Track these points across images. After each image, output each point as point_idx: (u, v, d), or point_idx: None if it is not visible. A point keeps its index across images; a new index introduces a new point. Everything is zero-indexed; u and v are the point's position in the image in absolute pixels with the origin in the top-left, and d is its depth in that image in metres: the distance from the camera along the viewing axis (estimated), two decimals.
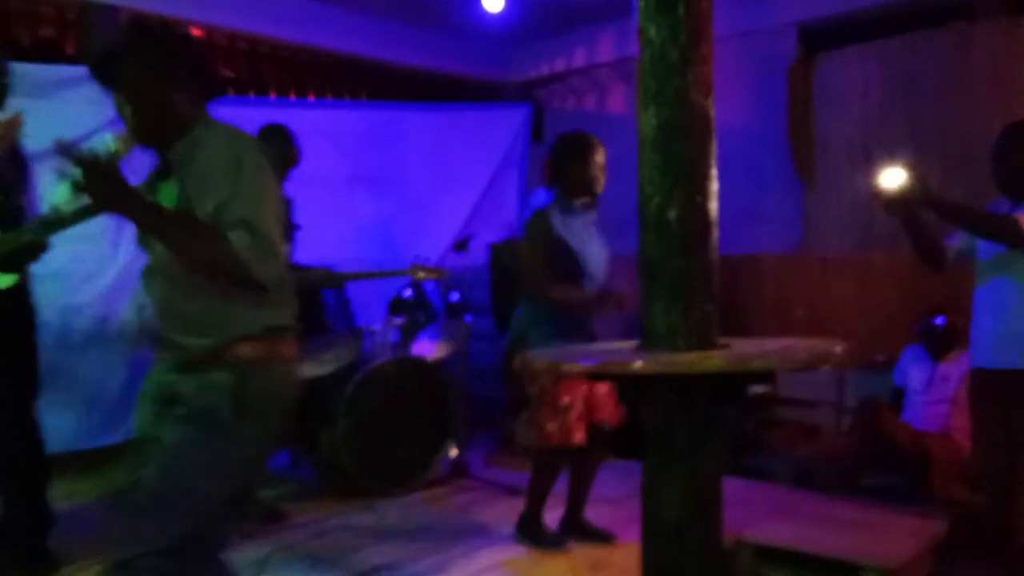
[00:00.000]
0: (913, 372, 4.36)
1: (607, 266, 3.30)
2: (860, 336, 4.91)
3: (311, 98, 5.80)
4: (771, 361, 1.91)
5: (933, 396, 4.27)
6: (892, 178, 3.02)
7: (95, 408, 4.46)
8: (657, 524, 2.20)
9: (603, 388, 3.25)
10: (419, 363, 4.04)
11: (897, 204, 3.03)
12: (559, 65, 6.38)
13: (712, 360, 1.97)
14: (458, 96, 6.60)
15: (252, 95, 5.31)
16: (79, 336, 4.42)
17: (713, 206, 2.18)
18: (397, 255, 4.67)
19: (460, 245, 4.61)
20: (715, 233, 2.19)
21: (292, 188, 5.43)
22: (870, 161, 5.06)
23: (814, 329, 5.14)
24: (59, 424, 4.42)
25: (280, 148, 3.46)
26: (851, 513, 3.70)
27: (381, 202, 6.00)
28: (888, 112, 4.91)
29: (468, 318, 4.35)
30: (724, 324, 4.71)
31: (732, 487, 4.27)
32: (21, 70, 4.39)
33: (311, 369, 3.81)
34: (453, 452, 4.19)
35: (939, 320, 4.24)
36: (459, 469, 4.19)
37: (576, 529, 3.45)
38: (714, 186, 2.20)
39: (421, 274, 3.76)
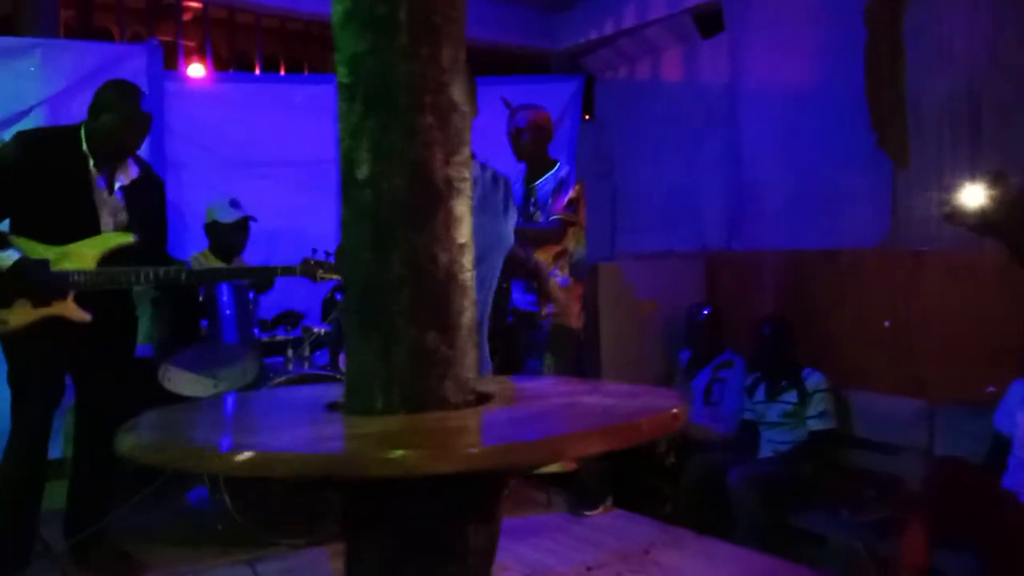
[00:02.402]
0: (1021, 418, 3.10)
1: (491, 254, 2.33)
2: (960, 360, 3.66)
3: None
4: (409, 460, 0.96)
5: None
6: (973, 197, 2.54)
7: None
8: None
9: None
10: (333, 382, 3.23)
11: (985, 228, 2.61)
12: (608, 27, 5.38)
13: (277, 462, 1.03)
14: (503, 71, 5.76)
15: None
16: None
17: (443, 161, 1.24)
18: None
19: None
20: (452, 209, 1.25)
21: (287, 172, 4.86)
22: (979, 130, 3.79)
23: (902, 348, 3.91)
24: None
25: (120, 110, 2.78)
26: None
27: None
28: (1004, 62, 3.61)
29: None
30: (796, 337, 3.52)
31: (745, 565, 3.25)
32: None
33: (191, 389, 3.11)
34: None
35: None
36: None
37: None
38: (460, 124, 1.26)
39: (320, 273, 2.94)
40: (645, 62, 5.29)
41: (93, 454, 2.93)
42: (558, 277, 3.78)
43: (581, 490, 3.69)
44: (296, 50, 5.08)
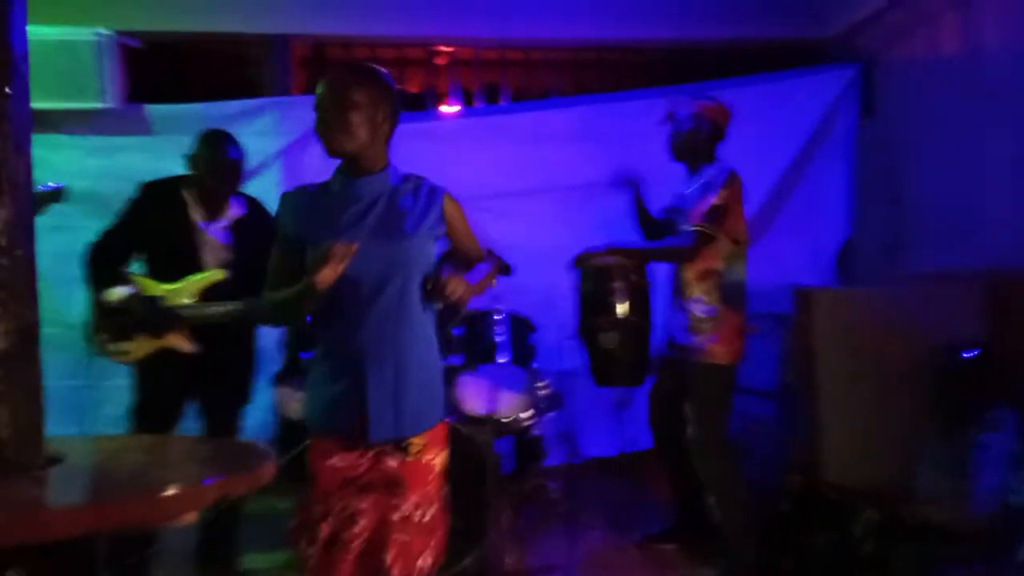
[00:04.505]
0: None
1: (391, 280, 1.95)
2: None
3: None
4: None
5: None
6: None
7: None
8: None
9: (407, 499, 1.92)
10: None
11: None
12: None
13: None
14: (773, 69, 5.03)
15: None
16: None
17: None
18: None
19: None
20: None
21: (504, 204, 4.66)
22: None
23: None
24: None
25: (205, 158, 2.98)
26: None
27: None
28: None
29: (539, 362, 3.12)
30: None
31: None
32: (190, 111, 4.64)
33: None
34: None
35: None
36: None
37: None
38: None
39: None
40: (917, 37, 4.22)
41: None
42: (701, 303, 3.13)
43: (731, 565, 3.00)
44: (500, 79, 5.04)
